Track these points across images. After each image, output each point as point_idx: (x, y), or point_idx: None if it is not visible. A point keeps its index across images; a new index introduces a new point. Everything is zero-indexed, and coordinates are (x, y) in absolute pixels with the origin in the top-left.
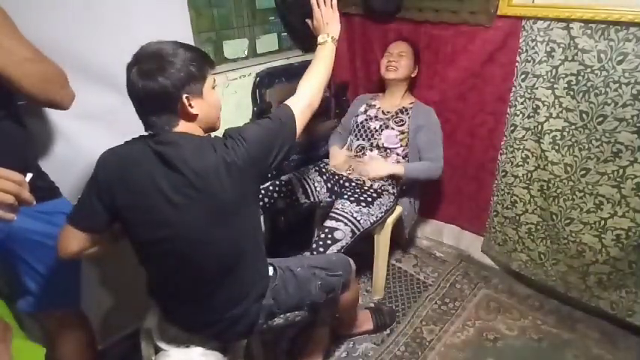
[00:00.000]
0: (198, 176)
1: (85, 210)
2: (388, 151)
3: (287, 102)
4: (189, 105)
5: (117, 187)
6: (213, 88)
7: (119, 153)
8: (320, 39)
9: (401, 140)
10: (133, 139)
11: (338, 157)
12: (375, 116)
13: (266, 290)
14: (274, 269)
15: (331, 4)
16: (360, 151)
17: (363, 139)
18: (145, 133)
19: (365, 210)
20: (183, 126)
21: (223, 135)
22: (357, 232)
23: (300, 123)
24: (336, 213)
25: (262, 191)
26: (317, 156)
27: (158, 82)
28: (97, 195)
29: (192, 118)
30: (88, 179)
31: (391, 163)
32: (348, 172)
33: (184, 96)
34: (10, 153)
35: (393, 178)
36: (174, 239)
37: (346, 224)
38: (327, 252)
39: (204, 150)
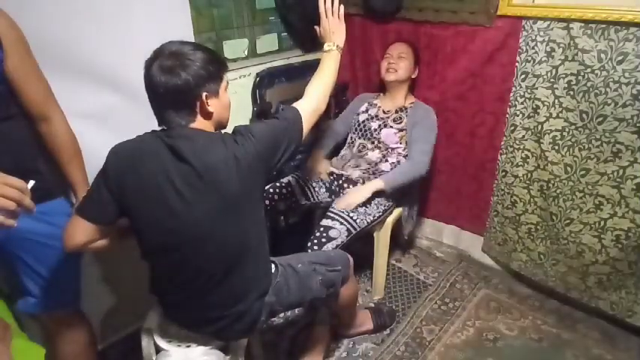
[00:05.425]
0: (208, 169)
1: (93, 201)
2: (389, 150)
3: (294, 105)
4: (207, 104)
5: (127, 178)
6: (226, 89)
7: (131, 145)
8: (326, 47)
9: (400, 139)
10: (145, 133)
11: (316, 167)
12: (376, 115)
13: (269, 287)
14: (276, 266)
15: (338, 15)
16: (362, 150)
17: (365, 139)
18: (157, 129)
19: (362, 209)
20: (198, 123)
21: (233, 131)
22: (354, 232)
23: (307, 126)
24: (333, 212)
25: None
26: None
27: (181, 78)
28: (106, 186)
29: (208, 116)
30: (99, 171)
31: (371, 182)
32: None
33: (204, 94)
34: (10, 153)
35: (381, 195)
36: (179, 232)
37: (342, 223)
38: (322, 249)
39: (215, 144)
